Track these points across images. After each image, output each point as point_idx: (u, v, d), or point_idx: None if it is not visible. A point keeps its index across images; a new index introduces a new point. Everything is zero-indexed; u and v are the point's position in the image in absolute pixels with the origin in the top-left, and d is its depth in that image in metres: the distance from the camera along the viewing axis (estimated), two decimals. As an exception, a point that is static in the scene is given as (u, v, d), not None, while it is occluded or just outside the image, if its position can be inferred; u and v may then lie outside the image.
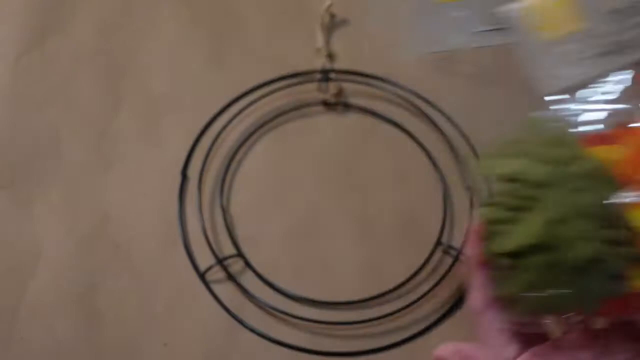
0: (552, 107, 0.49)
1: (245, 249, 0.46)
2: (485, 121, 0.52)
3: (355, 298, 0.45)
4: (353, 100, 0.52)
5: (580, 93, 0.49)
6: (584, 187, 0.33)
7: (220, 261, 0.45)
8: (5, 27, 0.53)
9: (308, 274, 0.46)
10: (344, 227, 0.47)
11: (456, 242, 0.47)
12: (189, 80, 0.52)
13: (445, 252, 0.47)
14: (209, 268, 0.45)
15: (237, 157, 0.50)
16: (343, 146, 0.51)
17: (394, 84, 0.52)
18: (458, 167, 0.50)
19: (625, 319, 0.36)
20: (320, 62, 0.53)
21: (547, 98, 0.50)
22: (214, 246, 0.46)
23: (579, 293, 0.33)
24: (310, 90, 0.52)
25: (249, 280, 0.45)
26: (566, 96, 0.49)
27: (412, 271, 0.46)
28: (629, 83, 0.48)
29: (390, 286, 0.45)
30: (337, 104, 0.52)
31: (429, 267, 0.46)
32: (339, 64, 0.53)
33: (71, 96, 0.51)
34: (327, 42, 0.54)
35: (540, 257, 0.33)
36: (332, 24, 0.56)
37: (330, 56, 0.53)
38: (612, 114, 0.46)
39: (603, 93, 0.49)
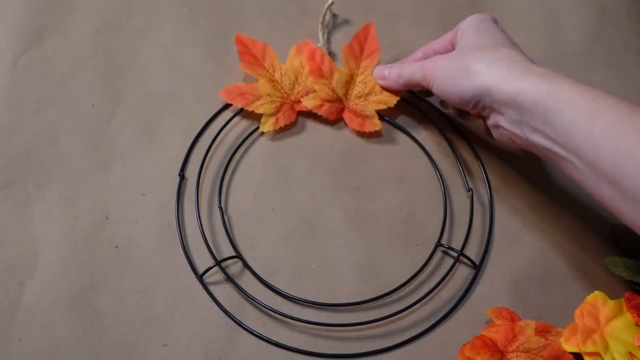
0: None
1: (243, 250, 0.46)
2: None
3: (355, 299, 0.44)
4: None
5: None
6: None
7: (219, 262, 0.45)
8: (3, 27, 0.53)
9: (307, 276, 0.46)
10: (344, 228, 0.47)
11: (456, 243, 0.47)
12: (188, 81, 0.52)
13: (445, 252, 0.47)
14: (208, 269, 0.45)
15: (236, 157, 0.50)
16: (343, 146, 0.50)
17: (394, 84, 0.52)
18: (458, 167, 0.49)
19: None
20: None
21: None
22: (212, 247, 0.46)
23: None
24: (309, 90, 0.52)
25: (248, 282, 0.45)
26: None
27: (412, 272, 0.45)
28: None
29: (390, 287, 0.45)
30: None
31: (429, 268, 0.46)
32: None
33: (70, 97, 0.51)
34: (328, 41, 0.54)
35: None
36: (333, 24, 0.55)
37: (330, 56, 0.53)
38: None
39: None
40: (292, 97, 0.51)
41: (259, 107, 0.50)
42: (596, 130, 0.37)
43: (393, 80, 0.49)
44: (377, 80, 0.51)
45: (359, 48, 0.52)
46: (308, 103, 0.50)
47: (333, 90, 0.50)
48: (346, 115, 0.50)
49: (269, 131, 0.50)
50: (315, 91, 0.50)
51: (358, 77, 0.51)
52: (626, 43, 0.55)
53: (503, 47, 0.43)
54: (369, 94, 0.51)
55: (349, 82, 0.51)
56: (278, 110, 0.50)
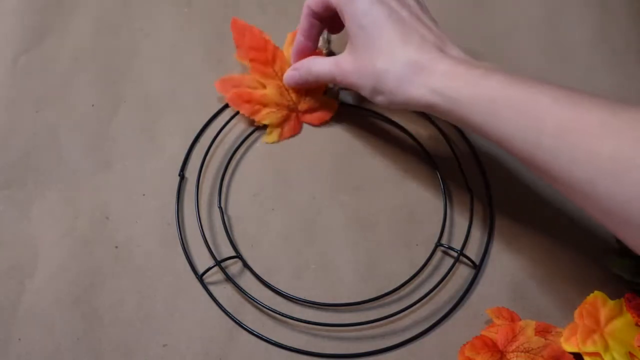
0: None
1: (243, 250, 0.46)
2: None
3: (355, 299, 0.44)
4: (353, 100, 0.52)
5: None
6: None
7: (219, 262, 0.45)
8: (3, 27, 0.53)
9: (307, 276, 0.46)
10: (343, 228, 0.47)
11: (456, 243, 0.47)
12: (188, 81, 0.52)
13: (445, 252, 0.47)
14: (208, 269, 0.45)
15: (236, 157, 0.50)
16: (343, 146, 0.50)
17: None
18: (458, 167, 0.49)
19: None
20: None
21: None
22: (212, 247, 0.46)
23: None
24: (309, 90, 0.52)
25: (248, 282, 0.45)
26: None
27: (412, 272, 0.45)
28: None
29: (390, 287, 0.45)
30: (337, 104, 0.52)
31: (429, 268, 0.46)
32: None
33: (70, 96, 0.51)
34: (328, 41, 0.54)
35: None
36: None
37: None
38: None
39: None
40: (300, 108, 0.50)
41: (264, 117, 0.49)
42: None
43: (302, 78, 0.48)
44: (288, 82, 0.49)
45: (263, 56, 0.49)
46: (270, 138, 0.49)
47: (287, 105, 0.50)
48: (305, 118, 0.50)
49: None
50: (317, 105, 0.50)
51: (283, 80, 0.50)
52: (627, 43, 0.55)
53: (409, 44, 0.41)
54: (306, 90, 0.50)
55: (284, 92, 0.50)
56: (284, 120, 0.49)
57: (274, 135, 0.49)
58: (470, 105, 0.38)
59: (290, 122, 0.50)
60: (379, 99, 0.42)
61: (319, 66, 0.46)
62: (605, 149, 0.33)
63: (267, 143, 0.50)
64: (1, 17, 0.54)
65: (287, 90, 0.50)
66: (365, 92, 0.43)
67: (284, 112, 0.49)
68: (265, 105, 0.49)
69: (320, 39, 0.53)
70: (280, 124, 0.49)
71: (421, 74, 0.40)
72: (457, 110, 0.39)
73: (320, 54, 0.50)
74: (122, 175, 0.48)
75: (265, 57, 0.49)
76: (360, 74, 0.42)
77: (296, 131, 0.50)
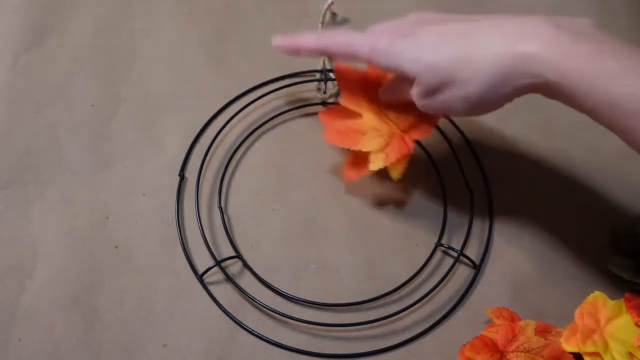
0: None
1: (243, 250, 0.46)
2: (485, 121, 0.51)
3: (355, 299, 0.44)
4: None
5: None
6: None
7: (219, 262, 0.45)
8: (3, 27, 0.53)
9: (307, 276, 0.45)
10: (344, 228, 0.47)
11: (456, 243, 0.47)
12: (188, 81, 0.52)
13: (445, 252, 0.47)
14: (208, 269, 0.45)
15: (236, 157, 0.50)
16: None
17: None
18: (458, 167, 0.49)
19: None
20: (319, 62, 0.53)
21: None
22: (212, 247, 0.46)
23: None
24: (309, 90, 0.52)
25: (248, 282, 0.45)
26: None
27: (412, 272, 0.45)
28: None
29: (390, 287, 0.45)
30: (337, 104, 0.52)
31: (429, 268, 0.46)
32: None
33: (70, 96, 0.51)
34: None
35: None
36: (333, 24, 0.55)
37: (330, 56, 0.53)
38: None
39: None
40: (401, 127, 0.45)
41: (366, 145, 0.45)
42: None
43: (310, 43, 0.43)
44: (383, 97, 0.45)
45: (358, 85, 0.46)
46: (375, 165, 0.44)
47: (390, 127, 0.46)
48: (411, 136, 0.45)
49: (379, 169, 0.44)
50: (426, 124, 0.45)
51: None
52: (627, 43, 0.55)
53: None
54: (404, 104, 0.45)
55: (381, 114, 0.46)
56: (387, 144, 0.45)
57: (378, 160, 0.44)
58: (585, 88, 0.34)
59: (395, 143, 0.45)
60: (476, 112, 0.39)
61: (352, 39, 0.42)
62: None
63: (373, 171, 0.45)
64: (1, 17, 0.54)
65: (384, 112, 0.46)
66: (455, 112, 0.40)
67: (385, 136, 0.45)
68: (363, 133, 0.45)
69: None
70: (383, 148, 0.45)
71: (514, 59, 0.36)
72: (568, 88, 0.35)
73: None
74: (122, 175, 0.48)
75: (361, 86, 0.46)
76: (443, 94, 0.39)
77: (405, 151, 0.44)
